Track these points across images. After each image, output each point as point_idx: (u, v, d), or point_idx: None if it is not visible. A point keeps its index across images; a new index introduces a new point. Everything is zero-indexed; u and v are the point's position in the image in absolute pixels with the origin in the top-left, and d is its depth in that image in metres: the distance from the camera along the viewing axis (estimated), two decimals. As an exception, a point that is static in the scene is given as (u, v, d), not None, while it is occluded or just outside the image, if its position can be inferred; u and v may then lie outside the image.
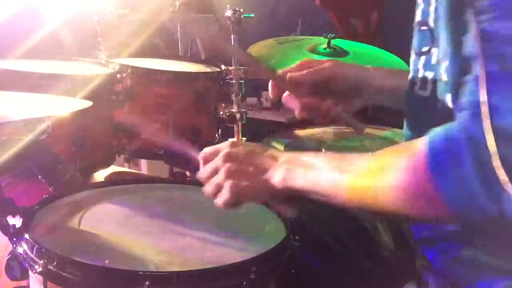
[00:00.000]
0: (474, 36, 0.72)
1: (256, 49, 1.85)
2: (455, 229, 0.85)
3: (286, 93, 1.16)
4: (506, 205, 0.69)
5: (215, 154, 0.96)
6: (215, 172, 0.95)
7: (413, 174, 0.75)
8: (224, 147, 0.97)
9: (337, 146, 1.63)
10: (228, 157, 0.94)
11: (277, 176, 0.91)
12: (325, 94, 1.13)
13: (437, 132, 0.75)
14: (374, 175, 0.81)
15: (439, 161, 0.73)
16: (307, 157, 0.91)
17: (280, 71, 1.24)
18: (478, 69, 0.71)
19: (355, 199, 0.83)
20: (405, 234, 1.03)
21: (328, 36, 1.78)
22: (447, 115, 0.79)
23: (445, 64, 0.82)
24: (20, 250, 0.94)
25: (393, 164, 0.79)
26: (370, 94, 1.14)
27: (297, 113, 1.17)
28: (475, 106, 0.70)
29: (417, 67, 0.91)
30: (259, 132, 2.43)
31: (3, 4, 2.07)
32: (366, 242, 1.14)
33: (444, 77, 0.83)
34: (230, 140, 0.96)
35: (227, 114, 1.80)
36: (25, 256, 0.93)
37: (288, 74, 1.17)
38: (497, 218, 0.71)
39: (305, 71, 1.17)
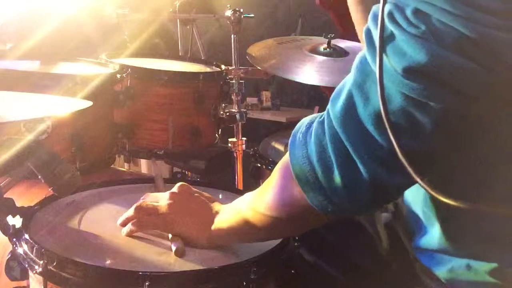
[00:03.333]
0: None
1: (256, 49, 1.85)
2: (445, 242, 0.85)
3: None
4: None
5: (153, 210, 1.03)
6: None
7: (284, 185, 0.82)
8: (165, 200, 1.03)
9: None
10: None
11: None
12: None
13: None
14: (264, 193, 0.88)
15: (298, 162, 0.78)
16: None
17: None
18: None
19: (261, 219, 0.89)
20: (402, 239, 1.03)
21: (328, 36, 1.78)
22: None
23: None
24: (20, 250, 0.94)
25: (273, 179, 0.86)
26: None
27: None
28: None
29: None
30: (259, 132, 2.43)
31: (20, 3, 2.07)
32: (366, 243, 1.14)
33: None
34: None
35: (227, 114, 1.80)
36: (25, 256, 0.93)
37: None
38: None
39: None
